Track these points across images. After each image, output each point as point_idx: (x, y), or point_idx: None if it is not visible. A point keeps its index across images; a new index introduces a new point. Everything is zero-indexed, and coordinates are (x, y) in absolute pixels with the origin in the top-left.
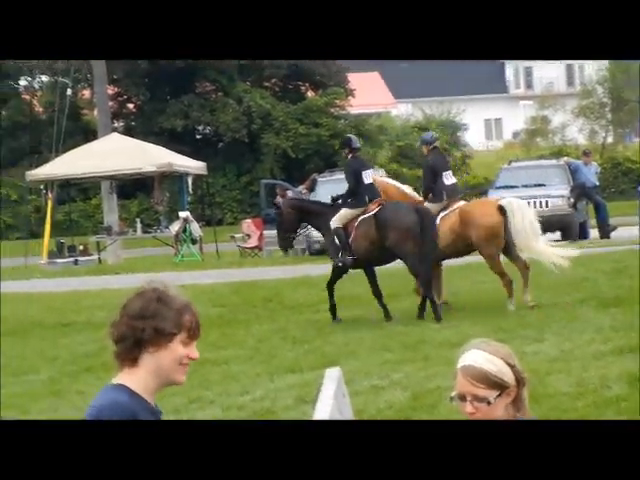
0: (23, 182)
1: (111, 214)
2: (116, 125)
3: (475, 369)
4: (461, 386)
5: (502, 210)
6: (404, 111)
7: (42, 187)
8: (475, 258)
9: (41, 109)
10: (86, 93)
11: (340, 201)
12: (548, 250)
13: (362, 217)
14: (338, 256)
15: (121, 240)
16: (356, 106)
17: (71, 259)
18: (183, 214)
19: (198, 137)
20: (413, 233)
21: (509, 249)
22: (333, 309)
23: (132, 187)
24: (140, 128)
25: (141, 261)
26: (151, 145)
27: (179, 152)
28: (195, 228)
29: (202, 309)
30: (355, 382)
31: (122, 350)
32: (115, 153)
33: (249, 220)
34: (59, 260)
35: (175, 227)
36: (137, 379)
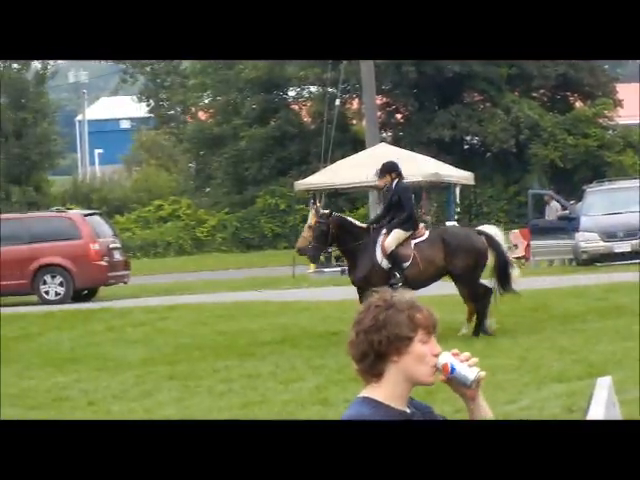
0: (292, 192)
1: None
2: (384, 135)
3: None
4: None
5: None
6: None
7: (310, 196)
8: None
9: (310, 119)
10: (354, 103)
11: (395, 223)
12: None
13: (418, 240)
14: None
15: None
16: (624, 116)
17: (338, 268)
18: (450, 224)
19: (465, 147)
20: (484, 259)
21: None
22: None
23: None
24: (408, 138)
25: None
26: (419, 155)
27: (446, 162)
28: None
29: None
30: (624, 392)
31: (366, 367)
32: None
33: (516, 230)
34: (326, 269)
35: None
36: (384, 389)
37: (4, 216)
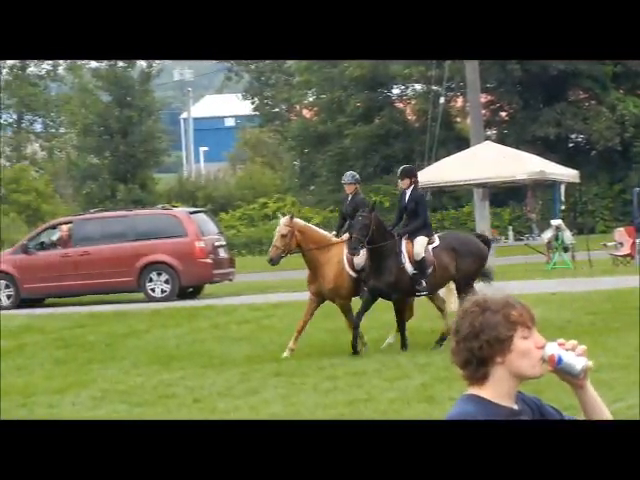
0: (396, 189)
1: (483, 222)
2: (489, 133)
3: None
4: None
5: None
6: None
7: None
8: None
9: (414, 117)
10: (459, 101)
11: (413, 228)
12: None
13: (432, 247)
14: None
15: (493, 248)
16: None
17: None
18: (555, 222)
19: (570, 145)
20: (485, 264)
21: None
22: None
23: (504, 195)
24: (513, 136)
25: (513, 269)
26: (524, 153)
27: (551, 160)
28: (567, 236)
29: (574, 317)
30: None
31: (471, 373)
32: (488, 161)
33: (622, 228)
34: None
35: (547, 235)
36: (491, 388)
37: (111, 214)
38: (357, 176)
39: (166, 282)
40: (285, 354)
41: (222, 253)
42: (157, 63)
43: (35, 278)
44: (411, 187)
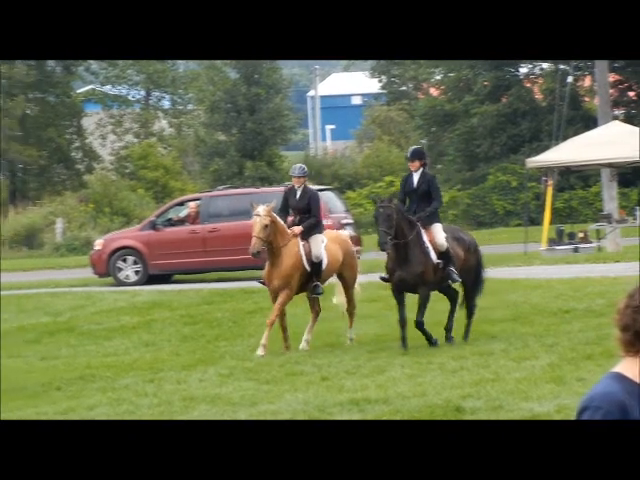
0: (523, 169)
1: (611, 202)
2: (616, 113)
3: None
4: None
5: None
6: None
7: (542, 174)
8: None
9: (541, 96)
10: (587, 80)
11: (427, 215)
12: None
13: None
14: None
15: (620, 228)
16: None
17: (570, 246)
18: None
19: None
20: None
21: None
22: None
23: (632, 175)
24: None
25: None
26: None
27: None
28: None
29: None
30: None
31: (625, 339)
32: (616, 141)
33: None
34: (558, 247)
35: None
36: (638, 366)
37: (238, 191)
38: (306, 169)
39: None
40: (258, 352)
41: (349, 231)
42: None
43: (163, 254)
44: (420, 170)
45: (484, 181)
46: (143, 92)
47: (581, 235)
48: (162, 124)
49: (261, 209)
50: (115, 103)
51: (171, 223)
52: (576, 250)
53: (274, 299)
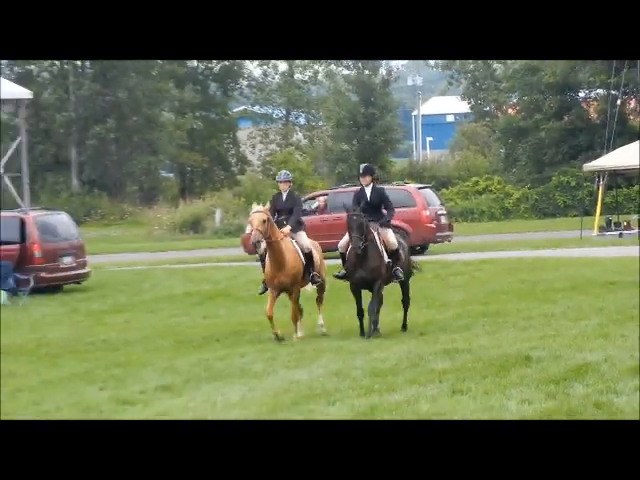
0: (580, 172)
1: None
2: None
3: None
4: None
5: None
6: None
7: (595, 176)
8: None
9: (595, 115)
10: (632, 102)
11: (387, 221)
12: None
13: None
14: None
15: None
16: None
17: (616, 232)
18: None
19: None
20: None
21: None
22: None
23: None
24: None
25: None
26: None
27: None
28: None
29: None
30: None
31: None
32: None
33: None
34: (607, 233)
35: None
36: None
37: (357, 188)
38: (290, 175)
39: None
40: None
41: (443, 220)
42: (396, 71)
43: None
44: (370, 184)
45: (549, 181)
46: (284, 111)
47: (625, 224)
48: (299, 136)
49: (258, 208)
50: (262, 120)
51: (305, 213)
52: (621, 235)
53: (277, 295)
